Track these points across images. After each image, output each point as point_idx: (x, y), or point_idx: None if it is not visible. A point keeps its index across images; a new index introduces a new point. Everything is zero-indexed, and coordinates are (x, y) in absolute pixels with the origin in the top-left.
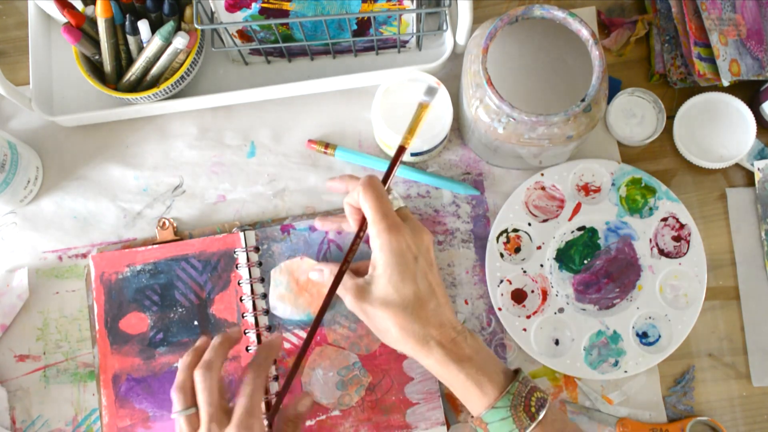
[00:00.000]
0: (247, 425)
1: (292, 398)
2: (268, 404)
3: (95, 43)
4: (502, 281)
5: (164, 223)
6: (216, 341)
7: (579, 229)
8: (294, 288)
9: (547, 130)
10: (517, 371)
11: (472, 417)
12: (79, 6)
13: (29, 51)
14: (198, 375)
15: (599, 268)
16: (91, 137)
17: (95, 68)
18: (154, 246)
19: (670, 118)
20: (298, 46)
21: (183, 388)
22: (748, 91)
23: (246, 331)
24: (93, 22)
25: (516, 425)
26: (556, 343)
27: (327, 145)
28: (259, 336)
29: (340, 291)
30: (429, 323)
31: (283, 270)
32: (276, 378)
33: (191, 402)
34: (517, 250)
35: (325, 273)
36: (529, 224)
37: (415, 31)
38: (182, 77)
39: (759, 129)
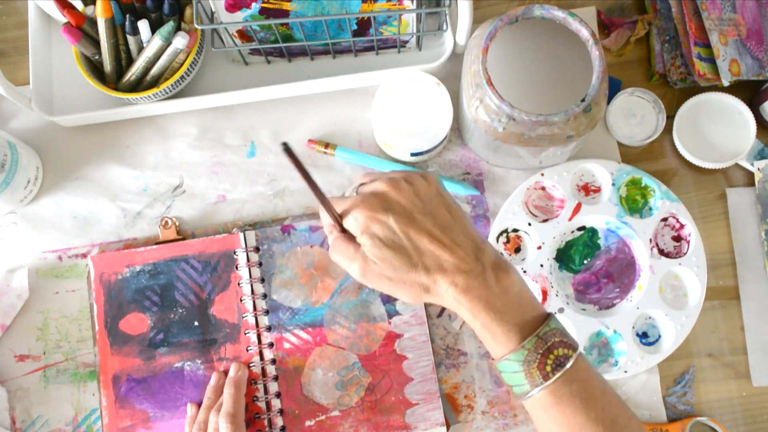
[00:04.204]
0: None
1: None
2: (268, 405)
3: (95, 43)
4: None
5: (167, 222)
6: (230, 390)
7: (579, 229)
8: (299, 275)
9: (547, 130)
10: (548, 317)
11: (491, 359)
12: (79, 6)
13: (29, 51)
14: (224, 424)
15: (599, 268)
16: (91, 137)
17: (95, 68)
18: (154, 247)
19: (670, 118)
20: (298, 46)
21: (200, 430)
22: (748, 91)
23: (246, 331)
24: (93, 22)
25: (527, 381)
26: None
27: (327, 145)
28: (259, 336)
29: (344, 261)
30: (433, 274)
31: (290, 257)
32: (276, 378)
33: None
34: (517, 250)
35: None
36: (529, 224)
37: (415, 31)
38: (182, 77)
39: (759, 129)
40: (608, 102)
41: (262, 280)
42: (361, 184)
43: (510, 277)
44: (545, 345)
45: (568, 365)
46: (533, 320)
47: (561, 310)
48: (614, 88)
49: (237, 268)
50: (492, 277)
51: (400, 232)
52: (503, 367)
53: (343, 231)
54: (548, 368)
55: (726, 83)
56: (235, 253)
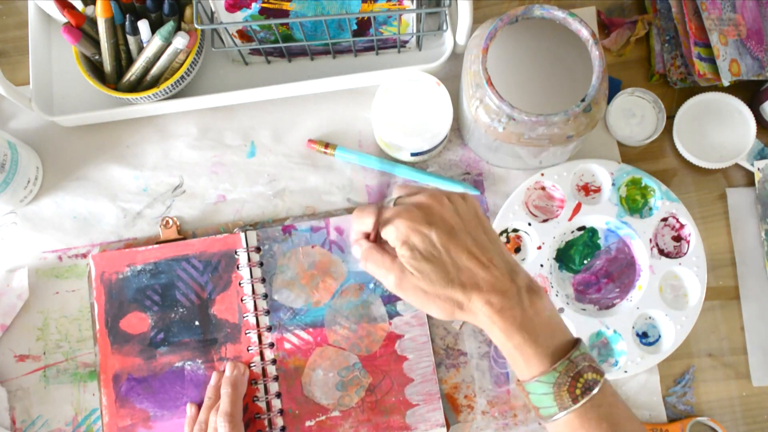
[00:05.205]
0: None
1: None
2: (268, 405)
3: (95, 43)
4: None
5: (168, 221)
6: (227, 390)
7: (579, 229)
8: (300, 275)
9: (547, 130)
10: (577, 342)
11: (518, 380)
12: (79, 6)
13: (29, 51)
14: (222, 423)
15: (599, 268)
16: (91, 137)
17: (95, 68)
18: (155, 246)
19: (670, 118)
20: (298, 46)
21: (201, 430)
22: (748, 91)
23: (247, 331)
24: (93, 22)
25: (556, 403)
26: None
27: (327, 145)
28: (260, 336)
29: (379, 271)
30: (469, 291)
31: (291, 257)
32: (276, 378)
33: None
34: (517, 250)
35: (358, 248)
36: (529, 224)
37: (415, 31)
38: (182, 77)
39: (759, 129)
40: (608, 102)
41: (263, 280)
42: (399, 197)
43: (542, 300)
44: (576, 368)
45: (597, 389)
46: (563, 344)
47: (561, 310)
48: (614, 88)
49: (238, 268)
50: (526, 299)
51: (440, 246)
52: (532, 389)
53: (375, 240)
54: (578, 391)
55: (726, 83)
56: (236, 253)
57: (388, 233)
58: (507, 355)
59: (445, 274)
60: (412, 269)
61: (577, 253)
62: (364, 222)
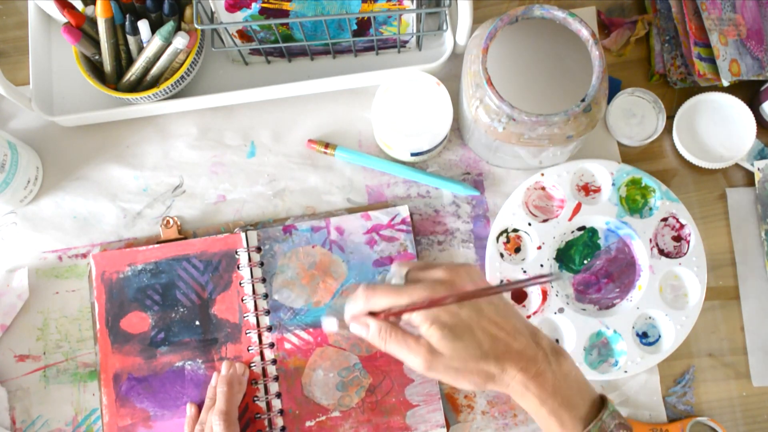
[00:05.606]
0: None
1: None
2: (268, 405)
3: (95, 43)
4: (502, 281)
5: (168, 221)
6: (223, 388)
7: (579, 229)
8: (300, 275)
9: (547, 130)
10: (604, 400)
11: None
12: (79, 6)
13: (29, 51)
14: (216, 422)
15: (599, 268)
16: (91, 137)
17: (95, 68)
18: (156, 246)
19: (670, 118)
20: (298, 46)
21: (200, 431)
22: (748, 91)
23: (247, 331)
24: (93, 22)
25: None
26: (556, 342)
27: (327, 145)
28: (260, 336)
29: (405, 354)
30: (502, 362)
31: (292, 257)
32: (276, 378)
33: None
34: (517, 250)
35: (372, 328)
36: (529, 224)
37: (415, 31)
38: (182, 77)
39: (759, 129)
40: (608, 102)
41: (264, 280)
42: (408, 272)
43: (567, 360)
44: (608, 428)
45: None
46: (592, 403)
47: (561, 310)
48: (614, 88)
49: (238, 267)
50: (554, 362)
51: (470, 321)
52: None
53: (386, 319)
54: None
55: (726, 83)
56: (236, 252)
57: (416, 315)
58: (540, 420)
59: (478, 349)
60: (443, 349)
61: (577, 253)
62: (375, 302)
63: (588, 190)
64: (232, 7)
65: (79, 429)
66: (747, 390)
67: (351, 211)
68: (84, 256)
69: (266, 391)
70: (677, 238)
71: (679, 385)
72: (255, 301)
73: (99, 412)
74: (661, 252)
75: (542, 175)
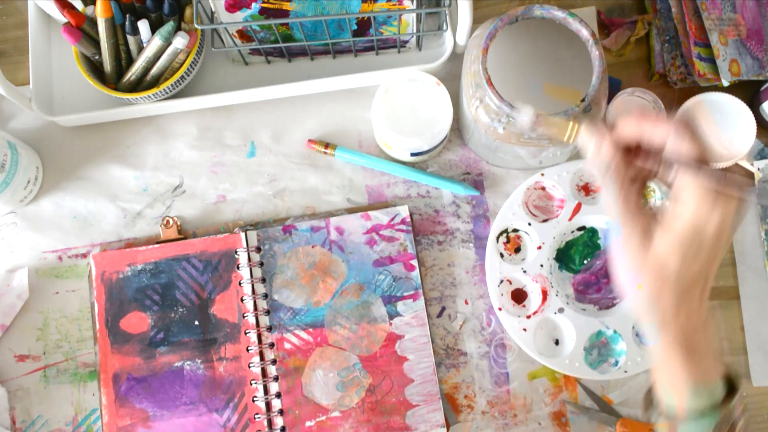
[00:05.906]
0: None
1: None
2: (268, 405)
3: (95, 43)
4: (502, 281)
5: (168, 221)
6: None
7: (579, 229)
8: (300, 275)
9: (547, 130)
10: (733, 385)
11: (659, 411)
12: (79, 6)
13: (29, 51)
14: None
15: (599, 268)
16: (91, 137)
17: (95, 68)
18: (155, 246)
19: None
20: (298, 46)
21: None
22: (748, 91)
23: (246, 331)
24: (93, 22)
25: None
26: (556, 343)
27: (327, 145)
28: (260, 336)
29: (614, 204)
30: (682, 305)
31: (292, 257)
32: (276, 378)
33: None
34: (517, 250)
35: (605, 155)
36: (529, 224)
37: (415, 31)
38: (182, 77)
39: (759, 129)
40: (608, 102)
41: (263, 280)
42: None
43: (714, 329)
44: (737, 411)
45: None
46: (723, 376)
47: (561, 310)
48: (614, 88)
49: (238, 267)
50: (706, 330)
51: (720, 235)
52: (686, 428)
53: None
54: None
55: (726, 83)
56: (236, 252)
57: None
58: (674, 381)
59: (709, 263)
60: (676, 236)
61: (577, 253)
62: (655, 131)
63: (588, 190)
64: (232, 7)
65: (79, 429)
66: (747, 390)
67: (351, 211)
68: (84, 256)
69: (266, 391)
70: None
71: None
72: (254, 301)
73: (99, 412)
74: None
75: (542, 175)
